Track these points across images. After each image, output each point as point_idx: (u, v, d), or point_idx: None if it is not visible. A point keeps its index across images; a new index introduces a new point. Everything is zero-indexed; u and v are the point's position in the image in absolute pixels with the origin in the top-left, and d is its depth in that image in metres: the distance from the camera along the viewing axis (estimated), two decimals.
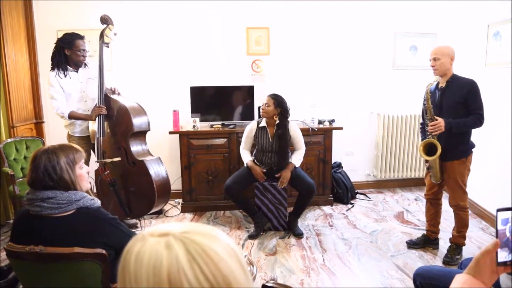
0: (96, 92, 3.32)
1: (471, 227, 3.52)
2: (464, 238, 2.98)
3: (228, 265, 0.59)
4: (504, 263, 0.90)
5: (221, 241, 0.62)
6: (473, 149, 2.88)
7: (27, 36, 4.03)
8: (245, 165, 3.50)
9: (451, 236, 3.03)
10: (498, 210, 0.91)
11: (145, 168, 3.19)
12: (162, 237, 0.60)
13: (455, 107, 2.75)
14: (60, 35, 3.30)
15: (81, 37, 3.19)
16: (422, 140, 3.04)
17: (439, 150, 2.71)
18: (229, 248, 0.62)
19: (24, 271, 1.54)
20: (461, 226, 2.94)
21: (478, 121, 2.72)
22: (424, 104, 2.86)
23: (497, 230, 0.91)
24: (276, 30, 4.32)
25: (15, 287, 2.46)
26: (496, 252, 0.90)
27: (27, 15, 4.01)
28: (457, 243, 2.97)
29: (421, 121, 3.11)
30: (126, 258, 0.60)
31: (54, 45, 3.20)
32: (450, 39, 4.35)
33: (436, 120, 2.72)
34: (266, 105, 3.37)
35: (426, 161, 2.89)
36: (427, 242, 3.14)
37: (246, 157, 3.53)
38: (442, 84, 2.84)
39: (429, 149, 2.80)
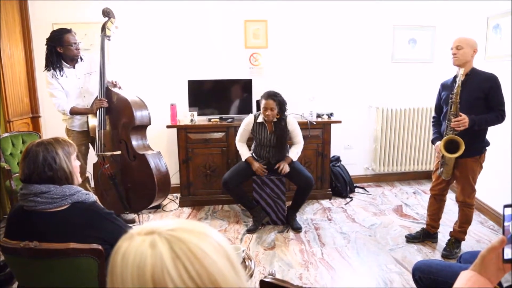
0: (95, 86, 3.29)
1: None
2: (465, 233, 2.96)
3: (214, 263, 0.57)
4: (510, 260, 0.88)
5: (209, 238, 0.60)
6: (487, 147, 2.80)
7: (22, 30, 3.98)
8: (243, 160, 3.48)
9: (451, 230, 3.02)
10: (505, 206, 0.89)
11: (146, 162, 3.18)
12: (148, 235, 0.58)
13: (474, 102, 2.64)
14: (55, 29, 3.25)
15: (68, 31, 3.12)
16: (434, 134, 2.95)
17: (462, 150, 2.59)
18: (217, 245, 0.60)
19: (19, 267, 1.52)
20: (464, 222, 2.92)
21: (501, 117, 2.63)
22: (451, 98, 2.67)
23: (503, 227, 0.89)
24: (274, 23, 4.28)
25: (11, 282, 2.45)
26: (503, 249, 0.88)
27: (22, 9, 3.96)
28: (457, 237, 2.96)
29: (433, 114, 3.02)
30: (114, 258, 0.59)
31: (46, 46, 3.13)
32: (449, 32, 4.32)
33: (460, 115, 2.60)
34: (271, 109, 3.28)
35: (442, 156, 2.79)
36: (427, 236, 3.13)
37: (245, 152, 3.50)
38: (462, 77, 2.68)
39: (446, 145, 2.69)
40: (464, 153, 2.65)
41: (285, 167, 3.37)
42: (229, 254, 0.61)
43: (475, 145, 2.72)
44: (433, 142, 2.95)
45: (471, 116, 2.59)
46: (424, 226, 3.19)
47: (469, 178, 2.78)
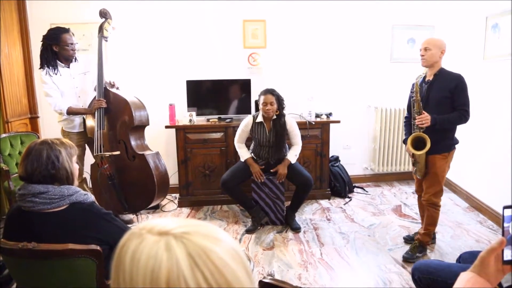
0: (90, 86, 3.28)
1: (468, 220, 3.54)
2: (430, 237, 2.92)
3: (233, 270, 0.55)
4: (510, 262, 0.88)
5: (225, 244, 0.57)
6: (456, 145, 2.80)
7: (20, 30, 3.97)
8: (243, 161, 3.46)
9: (417, 233, 2.99)
10: (505, 207, 0.89)
11: (146, 162, 3.18)
12: (162, 236, 0.55)
13: (442, 102, 2.68)
14: (53, 27, 3.22)
15: (66, 31, 3.10)
16: (405, 134, 2.99)
17: (428, 145, 2.63)
18: (233, 251, 0.57)
19: (17, 268, 1.51)
20: (429, 224, 2.86)
21: (463, 117, 2.64)
22: (412, 97, 2.78)
23: (503, 228, 0.89)
24: (273, 22, 4.28)
25: (10, 283, 2.44)
26: (502, 250, 0.88)
27: (20, 8, 3.95)
28: (421, 241, 2.89)
29: (405, 114, 3.03)
30: (121, 254, 0.56)
31: (41, 43, 3.10)
32: (448, 31, 4.32)
33: (423, 113, 2.65)
34: (271, 104, 3.28)
35: (412, 155, 2.79)
36: None
37: (244, 153, 3.49)
38: (429, 77, 2.76)
39: (415, 144, 2.73)
40: (432, 149, 2.67)
41: (283, 174, 3.38)
42: (244, 259, 0.59)
43: (443, 142, 2.74)
44: (404, 142, 2.94)
45: (433, 115, 2.64)
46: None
47: (437, 175, 2.76)
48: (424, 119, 2.64)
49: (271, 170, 3.45)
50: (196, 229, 0.57)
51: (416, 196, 3.18)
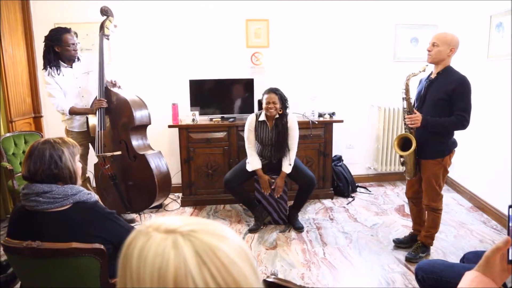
0: (94, 86, 3.28)
1: (472, 220, 3.53)
2: (432, 239, 2.86)
3: (240, 268, 0.55)
4: None
5: (232, 242, 0.57)
6: (454, 149, 2.67)
7: (24, 30, 3.99)
8: (250, 170, 3.39)
9: (415, 231, 2.96)
10: (510, 207, 0.89)
11: (146, 162, 3.18)
12: (169, 234, 0.55)
13: (437, 104, 2.53)
14: (54, 27, 3.23)
15: (68, 31, 3.10)
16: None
17: (414, 146, 2.54)
18: (240, 249, 0.57)
19: (22, 266, 1.52)
20: (431, 227, 2.81)
21: (460, 123, 2.48)
22: (403, 96, 2.64)
23: (509, 227, 0.89)
24: (276, 22, 4.28)
25: (14, 282, 2.45)
26: (508, 250, 0.87)
27: (24, 8, 3.97)
28: (424, 242, 2.86)
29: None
30: (128, 252, 0.56)
31: (43, 43, 3.11)
32: (451, 30, 4.30)
33: (415, 113, 2.55)
34: (273, 103, 3.26)
35: (401, 156, 2.69)
36: (415, 240, 2.96)
37: (256, 163, 3.39)
38: (433, 76, 2.63)
39: (404, 143, 2.63)
40: (425, 154, 2.60)
41: (280, 187, 3.39)
42: (250, 257, 0.58)
43: (436, 147, 2.61)
44: None
45: (426, 116, 2.52)
46: (412, 231, 3.06)
47: (431, 181, 2.66)
48: (414, 119, 2.53)
49: (272, 187, 3.42)
50: (203, 227, 0.57)
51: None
